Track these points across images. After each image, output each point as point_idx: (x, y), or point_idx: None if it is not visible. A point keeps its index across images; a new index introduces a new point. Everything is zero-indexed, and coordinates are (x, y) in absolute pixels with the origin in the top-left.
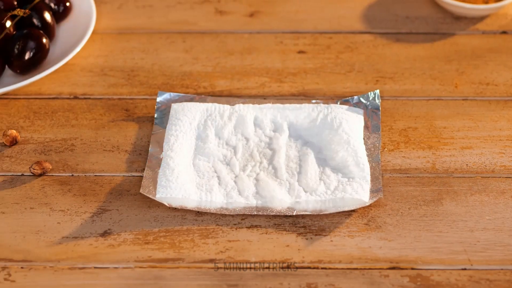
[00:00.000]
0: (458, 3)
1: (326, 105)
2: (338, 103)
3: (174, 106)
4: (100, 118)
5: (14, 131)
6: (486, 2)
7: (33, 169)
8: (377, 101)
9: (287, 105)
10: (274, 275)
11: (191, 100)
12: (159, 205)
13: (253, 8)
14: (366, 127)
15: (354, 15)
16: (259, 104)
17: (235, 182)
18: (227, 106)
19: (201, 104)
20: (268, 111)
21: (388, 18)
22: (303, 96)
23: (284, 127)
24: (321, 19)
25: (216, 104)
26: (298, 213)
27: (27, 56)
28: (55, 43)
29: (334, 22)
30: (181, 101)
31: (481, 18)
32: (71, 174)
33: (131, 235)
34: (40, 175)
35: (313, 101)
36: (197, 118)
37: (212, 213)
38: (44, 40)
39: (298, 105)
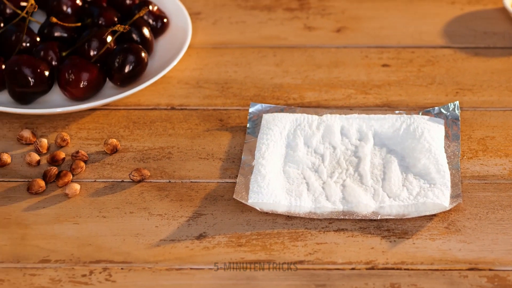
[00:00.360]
0: None
1: (408, 115)
2: (420, 113)
3: (265, 116)
4: (196, 128)
5: (115, 140)
6: None
7: (133, 175)
8: (456, 111)
9: (371, 115)
10: (359, 275)
11: (281, 110)
12: (251, 209)
13: (340, 24)
14: (446, 136)
15: (435, 30)
16: (345, 114)
17: (323, 188)
18: (315, 117)
19: (291, 114)
20: (354, 121)
21: (467, 34)
22: (387, 107)
23: (369, 136)
24: (404, 35)
25: (304, 115)
26: (382, 217)
27: (127, 70)
28: (153, 57)
29: (416, 37)
30: (272, 112)
31: None
32: (168, 181)
33: (225, 238)
34: (139, 181)
35: (396, 111)
36: (287, 127)
37: (301, 217)
38: (143, 54)
39: (382, 116)
